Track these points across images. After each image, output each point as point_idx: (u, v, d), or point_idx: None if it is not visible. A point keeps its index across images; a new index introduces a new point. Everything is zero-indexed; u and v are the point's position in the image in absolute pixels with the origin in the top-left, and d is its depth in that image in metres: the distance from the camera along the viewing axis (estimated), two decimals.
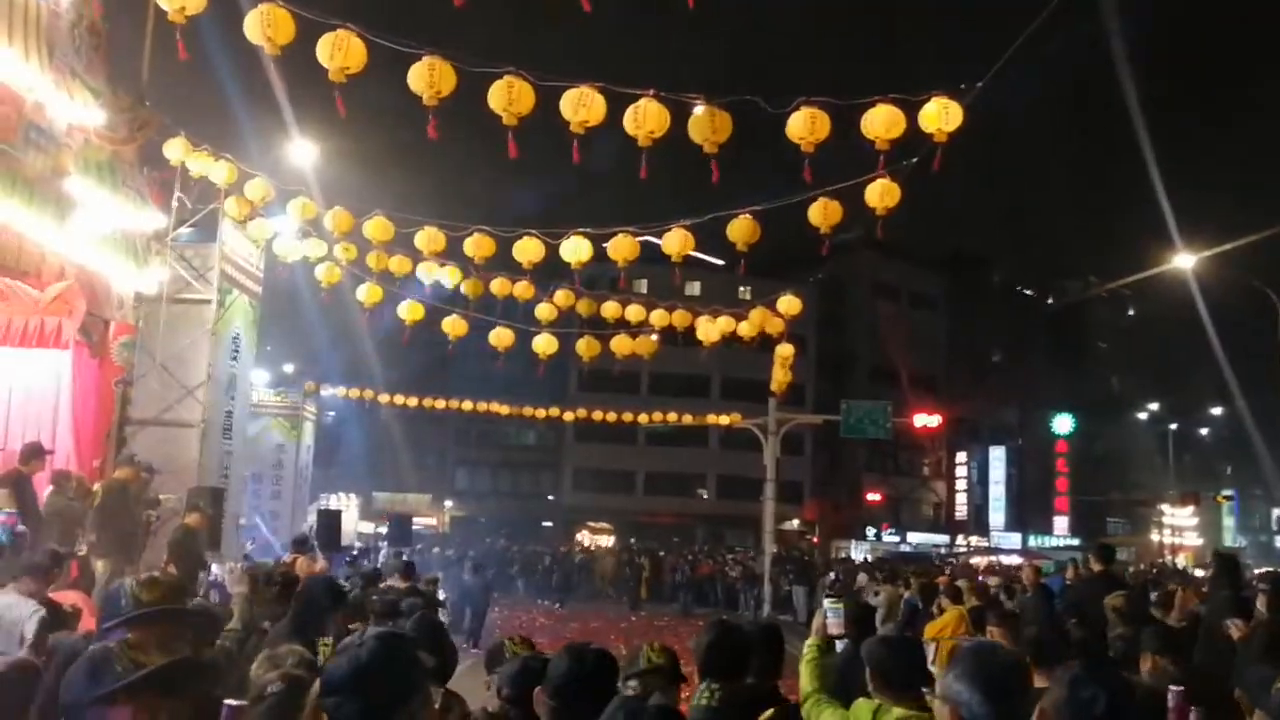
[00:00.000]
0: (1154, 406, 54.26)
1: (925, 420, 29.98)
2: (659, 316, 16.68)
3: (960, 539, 52.09)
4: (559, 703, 2.83)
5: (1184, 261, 20.62)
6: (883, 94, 8.56)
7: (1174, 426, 51.00)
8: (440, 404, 26.30)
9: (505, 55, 8.15)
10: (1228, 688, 4.30)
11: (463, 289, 14.86)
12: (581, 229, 12.22)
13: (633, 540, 39.77)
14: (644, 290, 23.38)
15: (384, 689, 1.96)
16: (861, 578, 20.24)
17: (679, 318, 16.79)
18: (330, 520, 17.42)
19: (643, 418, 29.18)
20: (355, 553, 20.95)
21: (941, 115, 8.50)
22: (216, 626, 4.71)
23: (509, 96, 8.16)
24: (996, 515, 55.90)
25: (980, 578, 16.99)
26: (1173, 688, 3.42)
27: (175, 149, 11.48)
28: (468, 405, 26.36)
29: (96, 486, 9.70)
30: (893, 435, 28.38)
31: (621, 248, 12.02)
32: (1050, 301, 66.45)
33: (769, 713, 3.37)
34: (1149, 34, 78.53)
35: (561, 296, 15.75)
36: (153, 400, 12.95)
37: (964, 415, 49.69)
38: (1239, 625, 5.93)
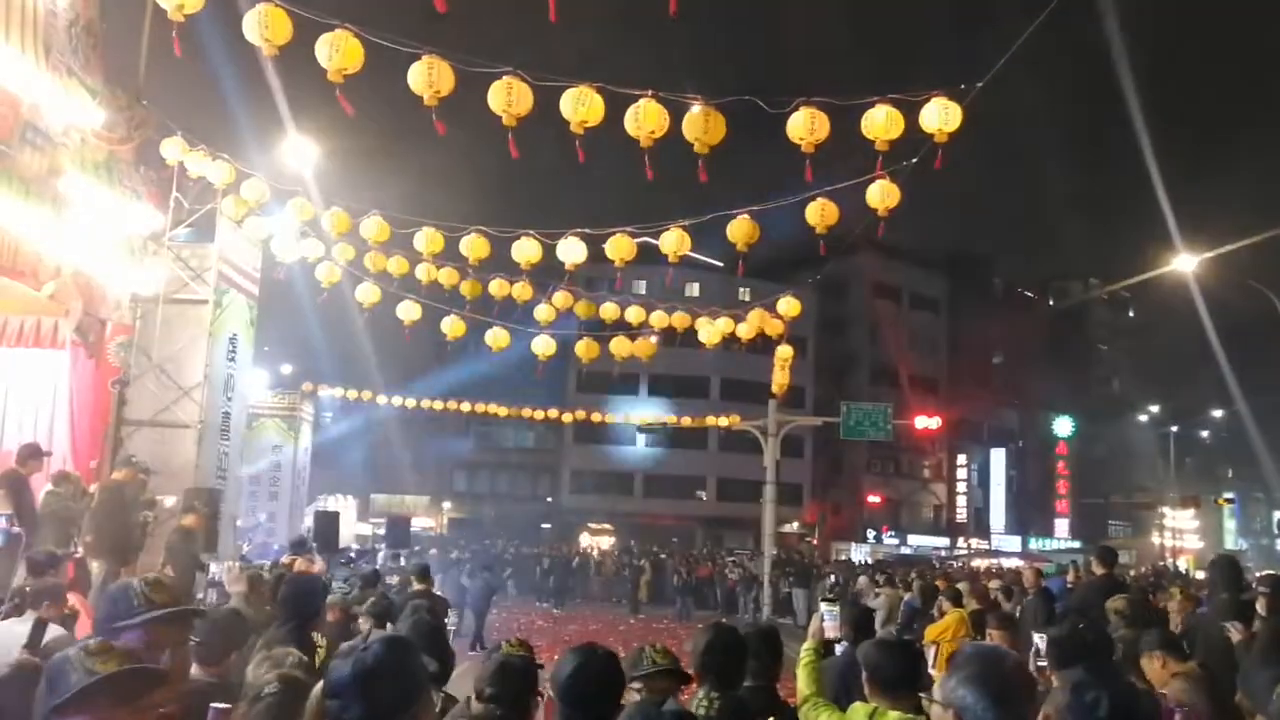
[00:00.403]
0: (1155, 409, 54.19)
1: (925, 422, 29.95)
2: (658, 318, 16.64)
3: (961, 541, 52.07)
4: (567, 705, 2.78)
5: (1185, 263, 20.56)
6: (882, 94, 8.53)
7: (1175, 429, 50.93)
8: (439, 405, 26.27)
9: (505, 55, 8.12)
10: (1229, 691, 4.26)
11: (461, 290, 14.83)
12: (578, 229, 12.19)
13: (632, 542, 39.74)
14: (643, 292, 23.32)
15: (388, 694, 1.95)
16: (861, 580, 20.17)
17: (678, 319, 16.74)
18: (328, 522, 17.36)
19: (642, 419, 29.11)
20: (353, 554, 20.90)
21: (941, 115, 8.47)
22: (245, 631, 4.24)
23: (508, 97, 8.14)
24: (997, 517, 55.99)
25: (980, 581, 16.91)
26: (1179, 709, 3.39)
27: (172, 149, 11.42)
28: (466, 407, 26.33)
29: (93, 488, 9.69)
30: (893, 437, 28.29)
31: (619, 248, 11.99)
32: (1051, 303, 66.54)
33: None
34: (1150, 34, 78.62)
35: (560, 298, 15.71)
36: (149, 401, 12.89)
37: (965, 417, 49.72)
38: (1238, 629, 5.90)
